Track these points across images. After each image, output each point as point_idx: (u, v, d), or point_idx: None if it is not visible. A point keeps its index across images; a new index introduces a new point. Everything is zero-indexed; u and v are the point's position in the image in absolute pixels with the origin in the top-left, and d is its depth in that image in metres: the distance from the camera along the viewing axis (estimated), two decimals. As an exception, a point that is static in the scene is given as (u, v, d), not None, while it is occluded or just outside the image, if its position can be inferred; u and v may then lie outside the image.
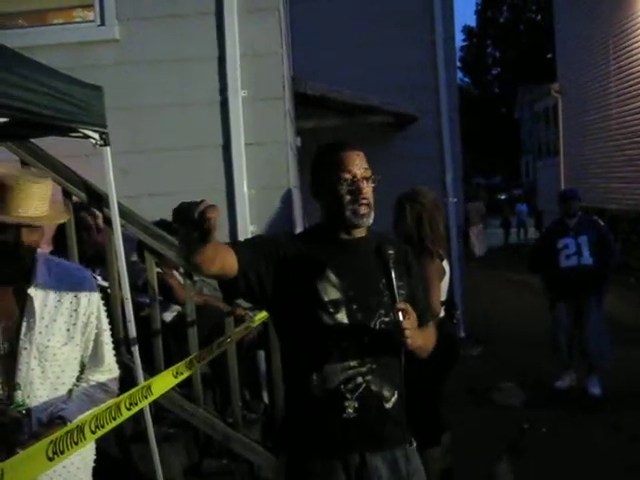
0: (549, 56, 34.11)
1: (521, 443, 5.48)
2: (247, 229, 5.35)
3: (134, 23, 5.38)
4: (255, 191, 5.38)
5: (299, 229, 5.73)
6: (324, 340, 2.38)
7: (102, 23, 5.43)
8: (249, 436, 4.19)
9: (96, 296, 2.45)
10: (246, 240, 2.57)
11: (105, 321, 2.49)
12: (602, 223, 6.94)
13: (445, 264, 4.26)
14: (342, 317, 2.38)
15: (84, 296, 2.40)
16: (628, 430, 5.65)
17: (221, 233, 5.30)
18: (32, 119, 3.01)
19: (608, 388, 6.63)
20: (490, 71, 49.52)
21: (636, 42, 14.35)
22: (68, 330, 2.36)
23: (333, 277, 2.39)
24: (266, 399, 4.77)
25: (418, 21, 9.16)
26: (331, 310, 2.37)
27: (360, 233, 2.48)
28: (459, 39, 50.93)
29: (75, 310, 2.38)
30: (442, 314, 4.18)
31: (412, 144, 9.11)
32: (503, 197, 39.79)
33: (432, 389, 4.20)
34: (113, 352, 2.54)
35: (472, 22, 50.51)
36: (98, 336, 2.46)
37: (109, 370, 2.51)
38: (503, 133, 43.21)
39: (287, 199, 5.46)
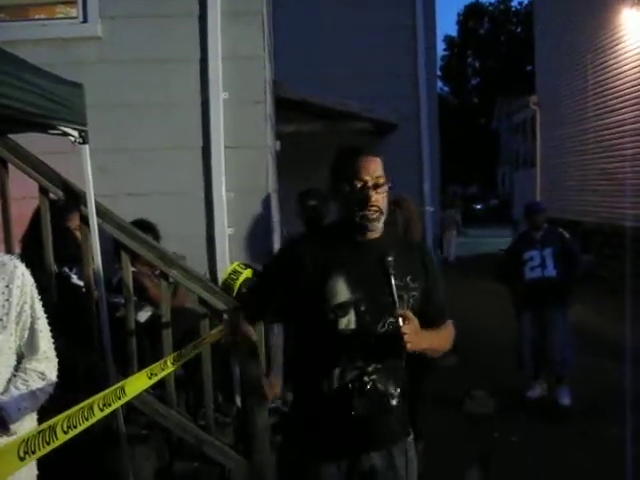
0: (528, 68, 34.46)
1: (491, 452, 5.55)
2: (225, 232, 5.33)
3: (117, 21, 5.35)
4: (234, 194, 5.37)
5: (276, 234, 5.73)
6: (333, 341, 2.48)
7: (85, 20, 5.39)
8: (221, 439, 4.18)
9: (29, 285, 2.46)
10: (266, 273, 2.75)
11: (40, 309, 2.50)
12: (567, 235, 7.03)
13: None
14: (350, 318, 2.48)
15: (16, 286, 2.41)
16: (597, 440, 5.71)
17: (199, 238, 5.31)
18: (12, 115, 2.99)
19: (578, 398, 6.69)
20: (470, 81, 49.94)
21: (613, 58, 14.55)
22: (1, 320, 2.38)
23: (344, 279, 2.49)
24: (239, 403, 4.76)
25: (400, 30, 9.21)
26: (339, 312, 2.47)
27: (374, 234, 2.57)
28: (440, 48, 51.28)
29: (7, 300, 2.40)
30: None
31: (392, 152, 9.05)
32: (479, 207, 40.11)
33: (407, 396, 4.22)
34: (50, 340, 2.54)
35: (453, 32, 50.71)
36: (32, 324, 2.46)
37: (46, 358, 2.51)
38: (481, 143, 43.57)
39: (266, 203, 5.46)
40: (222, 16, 5.37)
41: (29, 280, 2.48)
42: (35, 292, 2.50)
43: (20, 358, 2.46)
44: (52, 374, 2.53)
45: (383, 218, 2.55)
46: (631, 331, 7.80)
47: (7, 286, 2.40)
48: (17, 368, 2.45)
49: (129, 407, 3.89)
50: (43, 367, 2.49)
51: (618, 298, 6.59)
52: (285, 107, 6.89)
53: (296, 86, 7.24)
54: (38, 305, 2.50)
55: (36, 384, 2.44)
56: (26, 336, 2.45)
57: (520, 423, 6.29)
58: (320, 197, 5.45)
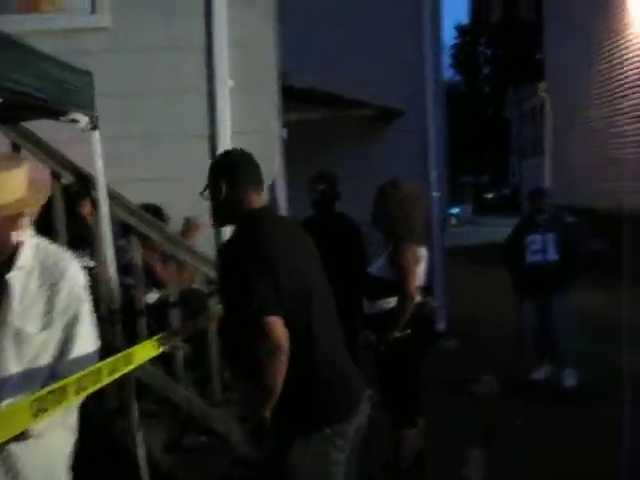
0: (538, 56, 34.29)
1: (495, 431, 5.66)
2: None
3: (124, 11, 5.47)
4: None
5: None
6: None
7: (93, 11, 5.54)
8: (228, 414, 4.31)
9: (77, 287, 2.45)
10: (263, 285, 2.66)
11: (85, 313, 2.48)
12: (570, 220, 7.10)
13: (422, 250, 4.43)
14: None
15: (65, 286, 2.41)
16: (599, 424, 5.78)
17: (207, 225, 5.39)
18: (25, 101, 3.12)
19: (582, 381, 6.78)
20: (481, 70, 49.74)
21: (622, 44, 14.56)
22: (46, 315, 2.38)
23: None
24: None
25: (406, 17, 9.26)
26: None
27: None
28: (452, 37, 51.12)
29: (55, 297, 2.39)
30: (419, 299, 4.33)
31: (398, 139, 9.22)
32: (491, 196, 40.09)
33: (408, 370, 4.37)
34: (88, 347, 2.47)
35: (465, 20, 50.42)
36: (72, 328, 2.42)
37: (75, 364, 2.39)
38: (493, 132, 43.44)
39: (272, 190, 5.56)
40: (229, 4, 5.48)
41: (80, 282, 2.47)
42: (84, 295, 2.48)
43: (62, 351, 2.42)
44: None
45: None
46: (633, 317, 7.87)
47: (54, 284, 2.39)
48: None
49: (139, 383, 4.03)
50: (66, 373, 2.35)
51: (632, 285, 6.66)
52: (292, 95, 6.99)
53: (303, 74, 7.34)
54: (84, 309, 2.47)
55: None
56: (63, 337, 2.41)
57: (525, 405, 6.39)
58: (330, 180, 5.57)
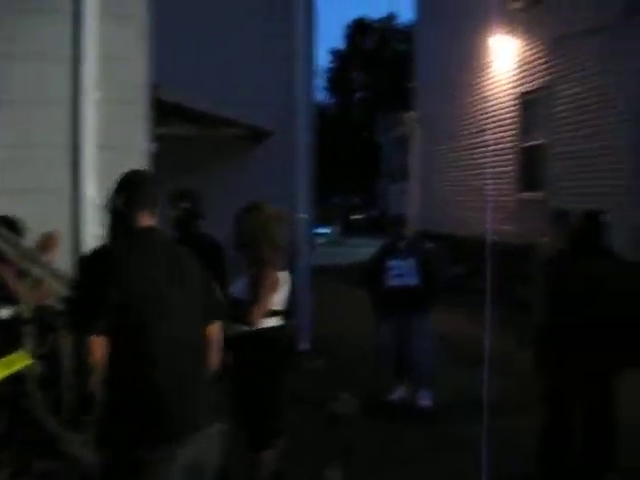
0: (409, 85, 35.42)
1: (352, 451, 5.75)
2: (94, 234, 5.28)
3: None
4: (104, 193, 5.32)
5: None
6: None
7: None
8: (80, 437, 4.17)
9: None
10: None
11: None
12: (429, 246, 7.40)
13: (285, 275, 4.46)
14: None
15: None
16: (454, 441, 6.00)
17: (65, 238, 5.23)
18: None
19: (438, 402, 7.03)
20: (354, 94, 50.85)
21: (484, 80, 15.33)
22: None
23: None
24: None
25: (279, 37, 9.35)
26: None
27: None
28: (326, 61, 52.05)
29: None
30: (276, 323, 4.36)
31: (267, 159, 9.29)
32: (360, 217, 40.85)
33: (265, 393, 4.37)
34: None
35: (341, 45, 51.42)
36: None
37: None
38: (364, 156, 44.39)
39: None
40: (98, 16, 5.35)
41: None
42: None
43: None
44: None
45: None
46: (492, 339, 8.20)
47: None
48: None
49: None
50: None
51: (484, 308, 6.93)
52: (160, 110, 6.91)
53: (174, 90, 7.26)
54: None
55: None
56: None
57: (382, 424, 6.54)
58: (193, 198, 5.53)
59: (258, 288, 4.23)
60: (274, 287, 4.31)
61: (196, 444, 2.79)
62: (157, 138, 6.40)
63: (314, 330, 9.41)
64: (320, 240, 25.03)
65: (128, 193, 3.02)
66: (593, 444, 5.17)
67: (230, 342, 4.33)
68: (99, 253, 2.92)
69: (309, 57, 9.72)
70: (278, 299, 4.36)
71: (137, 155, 5.48)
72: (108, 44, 5.38)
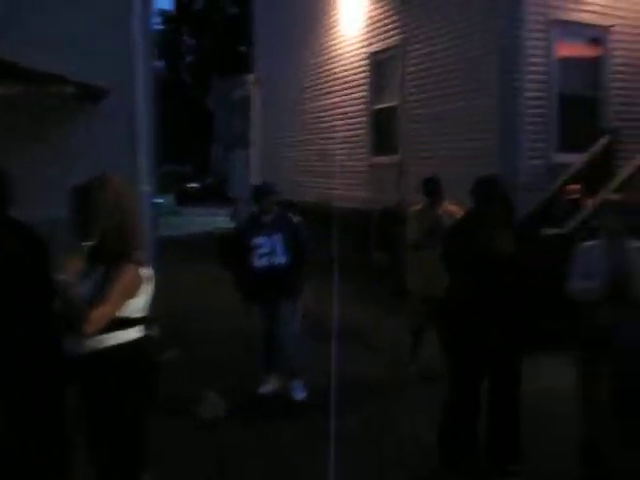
0: (243, 49, 34.51)
1: (225, 460, 5.03)
2: None
3: None
4: None
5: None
6: None
7: None
8: None
9: None
10: None
11: None
12: (296, 219, 6.56)
13: (148, 271, 3.40)
14: None
15: None
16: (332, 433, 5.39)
17: None
18: None
19: (312, 392, 6.32)
20: (184, 58, 49.18)
21: (330, 40, 14.71)
22: None
23: None
24: None
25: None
26: None
27: None
28: (155, 23, 49.84)
29: None
30: (132, 336, 3.33)
31: (103, 123, 8.08)
32: (194, 186, 39.55)
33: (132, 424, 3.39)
34: None
35: (169, 6, 49.23)
36: None
37: None
38: (196, 122, 43.01)
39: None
40: None
41: None
42: None
43: None
44: None
45: None
46: (346, 313, 7.70)
47: None
48: None
49: None
50: None
51: (331, 280, 6.32)
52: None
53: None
54: None
55: None
56: None
57: (255, 423, 5.80)
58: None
59: (111, 286, 3.17)
60: (132, 289, 3.28)
61: None
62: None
63: (162, 312, 8.33)
64: (156, 211, 23.79)
65: None
66: (495, 431, 4.81)
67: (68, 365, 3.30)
68: None
69: (146, 19, 8.61)
70: (136, 304, 3.32)
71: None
72: None
